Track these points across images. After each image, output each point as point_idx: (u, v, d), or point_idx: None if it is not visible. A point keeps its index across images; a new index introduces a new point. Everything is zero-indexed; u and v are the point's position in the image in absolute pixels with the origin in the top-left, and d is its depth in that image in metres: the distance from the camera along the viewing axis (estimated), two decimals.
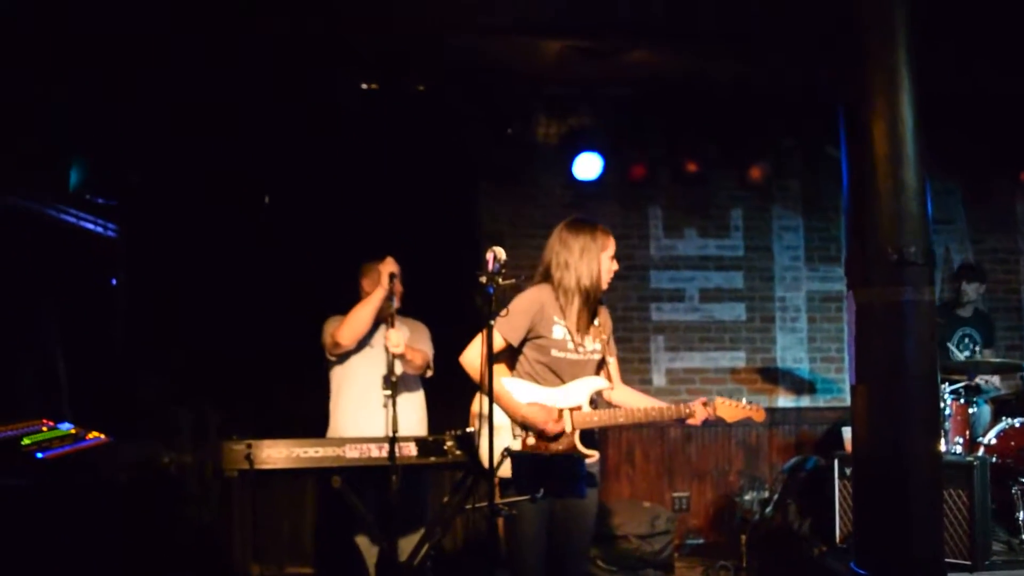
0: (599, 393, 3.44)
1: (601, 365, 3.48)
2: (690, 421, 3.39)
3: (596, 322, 3.41)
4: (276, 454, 3.58)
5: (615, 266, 3.45)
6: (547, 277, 3.41)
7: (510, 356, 3.41)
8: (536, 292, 3.39)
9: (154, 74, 4.76)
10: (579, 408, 3.33)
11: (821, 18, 3.70)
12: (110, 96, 4.67)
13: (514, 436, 3.30)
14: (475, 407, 3.43)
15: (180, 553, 4.73)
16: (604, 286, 3.41)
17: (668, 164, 5.94)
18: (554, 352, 3.35)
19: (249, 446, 3.54)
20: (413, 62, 5.18)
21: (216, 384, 5.05)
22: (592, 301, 3.37)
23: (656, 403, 3.46)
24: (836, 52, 3.59)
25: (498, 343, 3.29)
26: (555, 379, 3.37)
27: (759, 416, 3.44)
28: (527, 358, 3.38)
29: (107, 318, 5.10)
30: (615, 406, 3.47)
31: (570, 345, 3.36)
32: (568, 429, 3.30)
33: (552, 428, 3.26)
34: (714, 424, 3.45)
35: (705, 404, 3.39)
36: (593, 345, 3.41)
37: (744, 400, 3.44)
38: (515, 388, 3.33)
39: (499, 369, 3.38)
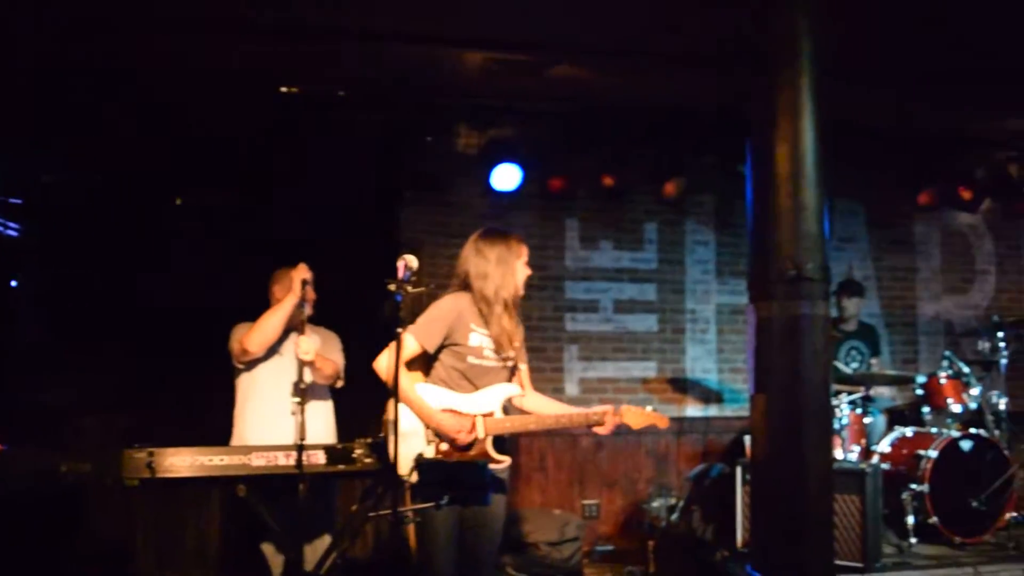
0: (511, 400, 3.49)
1: (513, 372, 3.53)
2: (598, 429, 3.46)
3: (512, 329, 3.46)
4: (179, 462, 3.50)
5: (529, 272, 3.53)
6: (465, 286, 3.45)
7: (425, 362, 3.44)
8: (454, 300, 3.43)
9: (64, 73, 4.64)
10: (491, 414, 3.38)
11: (733, 44, 3.84)
12: (17, 94, 4.53)
13: (427, 442, 3.33)
14: (388, 414, 3.44)
15: (81, 565, 4.59)
16: (520, 292, 3.48)
17: (586, 177, 6.03)
18: (470, 359, 3.39)
19: (151, 454, 3.46)
20: (334, 67, 5.15)
21: (122, 391, 4.91)
22: (511, 308, 3.43)
23: (567, 410, 3.55)
24: (746, 77, 3.72)
25: (414, 349, 3.34)
26: (469, 385, 3.40)
27: (663, 423, 3.55)
28: (442, 364, 3.42)
29: (6, 321, 4.93)
30: (527, 412, 3.53)
31: (486, 352, 3.41)
32: (480, 435, 3.34)
33: (463, 439, 3.29)
34: (624, 432, 3.53)
35: (613, 412, 3.46)
36: (507, 352, 3.45)
37: (649, 408, 3.54)
38: (428, 394, 3.35)
39: (414, 375, 3.41)
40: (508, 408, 3.47)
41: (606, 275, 6.26)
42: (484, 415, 3.37)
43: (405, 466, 3.18)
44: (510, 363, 3.49)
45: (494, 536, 3.45)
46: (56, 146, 4.93)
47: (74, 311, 4.94)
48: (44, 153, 4.94)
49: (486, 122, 5.79)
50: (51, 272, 5.04)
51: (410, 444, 3.29)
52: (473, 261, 3.44)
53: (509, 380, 3.51)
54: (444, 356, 3.41)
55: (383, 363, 3.31)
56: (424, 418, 3.31)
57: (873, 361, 5.78)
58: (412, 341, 3.33)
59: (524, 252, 3.50)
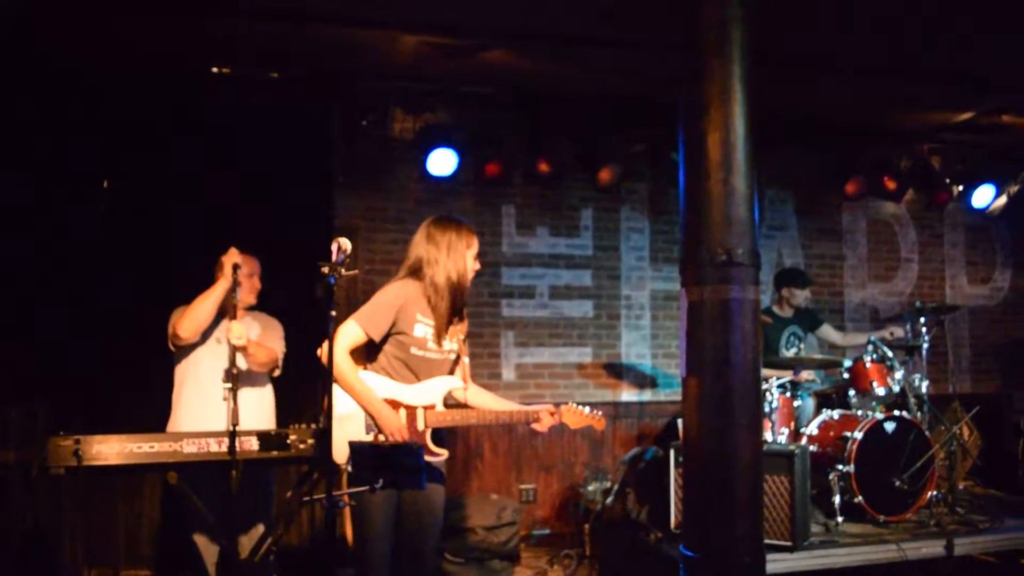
0: (451, 393, 3.47)
1: (455, 364, 3.52)
2: (536, 426, 3.48)
3: (456, 321, 3.45)
4: (108, 450, 3.42)
5: (477, 265, 3.49)
6: (413, 273, 3.41)
7: (367, 350, 3.40)
8: (400, 287, 3.39)
9: None
10: (433, 407, 3.36)
11: (666, 30, 3.88)
12: None
13: (367, 430, 3.30)
14: (327, 401, 3.40)
15: (6, 557, 4.46)
16: (468, 284, 3.46)
17: (522, 163, 6.06)
18: (413, 350, 3.36)
19: (77, 441, 3.37)
20: (267, 48, 5.06)
21: (52, 380, 4.77)
22: (459, 299, 3.41)
23: (506, 406, 3.54)
24: (678, 64, 3.76)
25: (359, 337, 3.30)
26: (411, 376, 3.38)
27: (600, 425, 3.59)
28: (385, 354, 3.38)
29: None
30: (467, 406, 3.52)
31: (430, 344, 3.38)
32: (420, 427, 3.32)
33: (401, 437, 3.26)
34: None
35: (552, 413, 3.49)
36: (451, 344, 3.44)
37: (588, 409, 3.56)
38: (371, 382, 3.32)
39: (357, 363, 3.37)
40: (448, 401, 3.46)
41: (542, 261, 6.30)
42: (425, 407, 3.35)
43: (342, 453, 3.18)
44: (452, 355, 3.47)
45: (434, 522, 3.45)
46: None
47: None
48: None
49: (421, 107, 5.76)
50: None
51: (346, 429, 3.27)
52: (424, 247, 3.40)
53: (451, 373, 3.49)
54: (388, 346, 3.38)
55: (326, 349, 3.26)
56: (365, 406, 3.28)
57: (802, 346, 5.92)
58: (357, 329, 3.29)
59: (475, 243, 3.46)
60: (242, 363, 3.87)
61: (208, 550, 4.01)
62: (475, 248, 3.46)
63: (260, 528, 4.02)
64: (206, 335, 4.01)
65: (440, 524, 3.51)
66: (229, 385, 3.57)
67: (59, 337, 4.82)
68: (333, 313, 2.82)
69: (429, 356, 3.39)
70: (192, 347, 4.02)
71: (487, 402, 3.56)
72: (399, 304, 3.33)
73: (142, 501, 5.19)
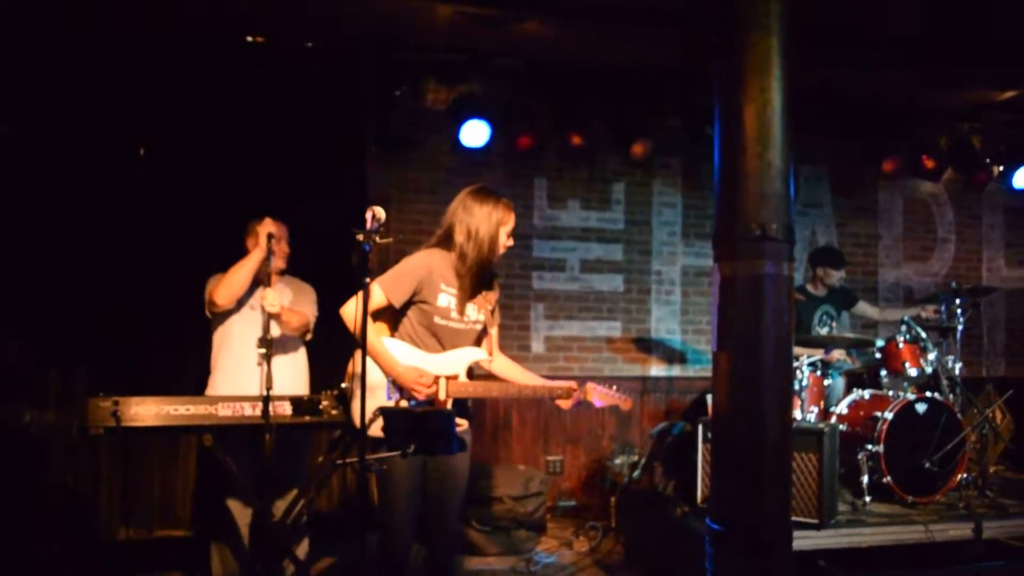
0: (478, 364, 3.46)
1: (483, 335, 3.51)
2: (560, 403, 3.46)
3: (484, 292, 3.44)
4: (145, 411, 3.50)
5: (510, 242, 3.45)
6: (443, 242, 3.40)
7: (393, 316, 3.40)
8: (426, 256, 3.38)
9: (26, 21, 4.52)
10: (455, 377, 3.36)
11: (702, 1, 3.84)
12: None
13: (388, 397, 3.31)
14: (351, 366, 3.43)
15: (45, 516, 4.57)
16: (496, 259, 3.43)
17: (555, 136, 6.04)
18: (436, 319, 3.35)
19: (116, 403, 3.45)
20: (302, 17, 5.07)
21: (89, 344, 4.85)
22: (487, 271, 3.40)
23: (531, 381, 3.51)
24: (715, 36, 3.72)
25: (380, 301, 3.28)
26: (436, 344, 3.37)
27: (626, 406, 3.55)
28: (410, 320, 3.38)
29: None
30: (494, 377, 3.51)
31: (453, 314, 3.37)
32: (442, 397, 3.32)
33: (422, 391, 3.27)
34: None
35: (576, 390, 3.45)
36: (477, 315, 3.42)
37: (615, 388, 3.53)
38: (395, 349, 3.33)
39: (380, 328, 3.38)
40: (474, 371, 3.44)
41: (573, 234, 6.30)
42: (448, 377, 3.34)
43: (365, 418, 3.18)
44: (479, 326, 3.46)
45: (459, 488, 3.46)
46: (10, 97, 4.81)
47: (38, 263, 4.86)
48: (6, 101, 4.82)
49: (455, 78, 5.75)
50: (15, 223, 4.94)
51: (372, 398, 3.27)
52: (460, 216, 3.36)
53: (477, 343, 3.48)
54: (412, 313, 3.37)
55: (350, 310, 3.25)
56: (386, 369, 3.28)
57: (834, 324, 5.88)
58: (379, 292, 3.28)
59: (510, 220, 3.42)
60: (275, 330, 3.92)
61: (242, 512, 4.09)
62: (510, 225, 3.42)
63: (293, 492, 4.08)
64: (240, 302, 4.08)
65: (464, 491, 3.51)
66: (263, 351, 3.62)
67: (96, 302, 4.90)
68: (368, 280, 2.84)
69: (453, 326, 3.38)
70: (227, 314, 4.08)
71: (513, 374, 3.55)
72: (423, 273, 3.32)
73: (177, 463, 5.28)
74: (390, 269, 3.38)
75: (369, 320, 3.23)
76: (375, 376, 3.30)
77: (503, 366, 3.58)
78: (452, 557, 3.60)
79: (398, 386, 3.29)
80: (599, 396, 3.49)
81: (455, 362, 3.38)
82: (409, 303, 3.35)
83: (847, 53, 5.49)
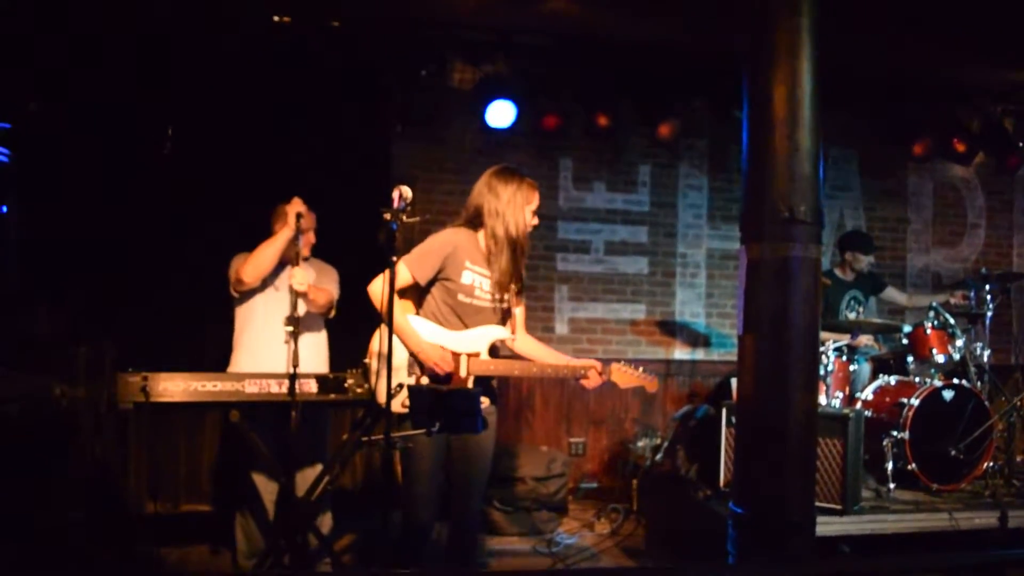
0: (503, 342, 3.47)
1: (507, 314, 3.51)
2: (584, 383, 3.44)
3: (512, 272, 3.42)
4: (173, 387, 3.55)
5: (535, 221, 3.47)
6: (470, 222, 3.41)
7: (417, 294, 3.42)
8: (451, 234, 3.39)
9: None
10: (477, 355, 3.37)
11: None
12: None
13: (409, 374, 3.32)
14: (374, 344, 3.44)
15: (73, 489, 4.64)
16: (524, 237, 3.43)
17: (581, 117, 6.00)
18: (460, 297, 3.36)
19: (145, 378, 3.51)
20: None
21: (116, 320, 4.91)
22: (518, 251, 3.40)
23: (555, 360, 3.51)
24: (745, 17, 3.68)
25: (406, 279, 3.31)
26: (459, 323, 3.39)
27: (652, 387, 3.52)
28: (434, 298, 3.39)
29: None
30: (517, 356, 3.52)
31: (478, 292, 3.38)
32: (463, 374, 3.33)
33: (442, 367, 3.28)
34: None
35: (600, 372, 3.43)
36: (502, 294, 3.43)
37: (640, 369, 3.50)
38: (418, 326, 3.35)
39: (405, 305, 3.40)
40: (498, 350, 3.45)
41: (598, 216, 6.28)
42: (470, 355, 3.36)
43: (385, 394, 3.18)
44: (504, 305, 3.46)
45: (484, 468, 3.47)
46: (46, 73, 4.85)
47: (67, 240, 4.91)
48: (33, 80, 4.86)
49: (481, 57, 5.73)
50: (41, 200, 5.00)
51: (396, 375, 3.26)
52: (487, 198, 3.38)
53: (502, 322, 3.48)
54: (436, 290, 3.39)
55: (376, 287, 3.29)
56: (410, 346, 3.30)
57: (860, 309, 5.82)
58: (404, 270, 3.30)
59: (535, 199, 3.44)
60: (302, 308, 3.95)
61: (266, 488, 4.14)
62: (535, 203, 3.44)
63: (317, 468, 4.12)
64: (265, 283, 4.11)
65: (488, 468, 3.52)
66: (291, 329, 3.65)
67: (123, 279, 4.95)
68: (394, 259, 2.85)
69: (477, 303, 3.39)
70: (251, 292, 4.12)
71: (538, 353, 3.55)
72: (448, 251, 3.34)
73: (203, 438, 5.35)
74: (415, 247, 3.39)
75: (396, 297, 3.23)
76: (398, 354, 3.31)
77: (528, 345, 3.58)
78: (475, 536, 3.63)
79: (420, 363, 3.31)
80: (625, 377, 3.48)
81: (478, 340, 3.39)
82: (434, 280, 3.37)
83: (877, 34, 5.40)
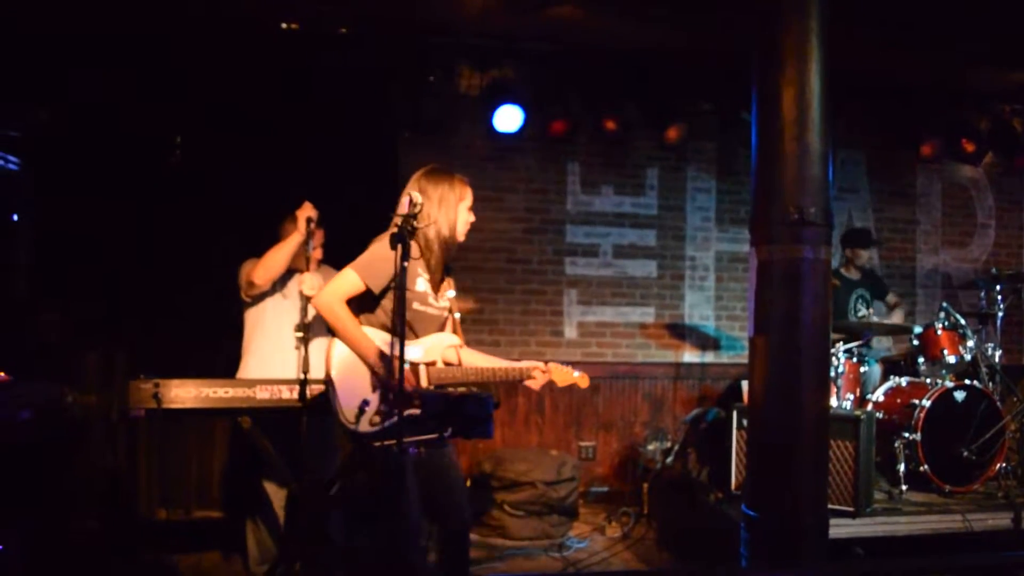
0: (452, 348, 3.37)
1: (447, 320, 3.41)
2: (529, 383, 3.35)
3: (447, 275, 3.36)
4: (185, 394, 3.56)
5: (472, 218, 3.36)
6: None
7: (363, 304, 3.25)
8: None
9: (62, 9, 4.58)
10: (434, 363, 3.28)
11: None
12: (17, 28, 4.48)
13: (372, 389, 3.17)
14: (333, 359, 3.22)
15: (85, 496, 4.65)
16: (461, 238, 3.34)
17: (588, 121, 6.01)
18: (415, 305, 3.23)
19: (156, 385, 3.51)
20: (336, 3, 5.08)
21: (125, 328, 4.93)
22: (449, 253, 3.31)
23: (498, 363, 3.39)
24: (753, 19, 3.69)
25: (356, 287, 3.16)
26: (410, 333, 3.24)
27: (583, 383, 3.40)
28: (383, 309, 3.24)
29: (8, 254, 4.93)
30: (460, 363, 3.38)
31: (430, 299, 3.28)
32: (424, 384, 3.23)
33: (410, 382, 3.13)
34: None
35: (544, 371, 3.34)
36: (443, 301, 3.35)
37: (574, 370, 3.38)
38: (375, 339, 3.20)
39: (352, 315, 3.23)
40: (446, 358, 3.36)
41: (606, 220, 6.28)
42: (427, 364, 3.26)
43: (351, 413, 3.11)
44: (445, 312, 3.37)
45: (459, 476, 3.38)
46: (55, 81, 4.88)
47: (76, 247, 4.93)
48: (42, 87, 4.89)
49: (488, 63, 5.75)
50: (51, 207, 5.02)
51: (353, 389, 3.15)
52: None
53: (442, 329, 3.38)
54: (386, 301, 3.23)
55: (324, 299, 3.15)
56: (365, 357, 3.14)
57: (870, 310, 5.81)
58: (356, 278, 3.15)
59: (468, 195, 3.33)
60: (311, 313, 3.94)
61: (276, 494, 4.14)
62: (468, 200, 3.33)
63: (327, 473, 4.11)
64: (274, 289, 4.11)
65: (463, 476, 3.44)
66: (301, 335, 3.66)
67: (132, 286, 4.97)
68: (405, 264, 2.84)
69: (429, 312, 3.29)
70: (261, 298, 4.12)
71: (480, 359, 3.41)
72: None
73: (213, 445, 5.35)
74: (362, 255, 3.23)
75: (346, 307, 3.14)
76: (357, 370, 3.18)
77: (469, 353, 3.44)
78: (468, 541, 3.52)
79: (379, 378, 3.16)
80: (561, 375, 3.36)
81: (432, 349, 3.30)
82: (387, 288, 3.21)
83: (883, 35, 5.40)
